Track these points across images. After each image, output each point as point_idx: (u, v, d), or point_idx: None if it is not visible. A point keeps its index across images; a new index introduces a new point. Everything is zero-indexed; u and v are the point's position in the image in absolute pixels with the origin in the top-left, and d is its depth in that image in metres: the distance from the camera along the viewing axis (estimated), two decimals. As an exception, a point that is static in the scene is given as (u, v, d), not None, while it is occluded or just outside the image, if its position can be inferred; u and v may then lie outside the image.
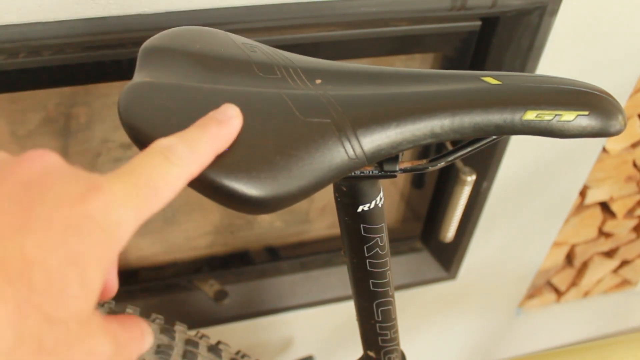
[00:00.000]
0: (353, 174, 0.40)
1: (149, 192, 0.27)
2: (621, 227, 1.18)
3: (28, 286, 0.23)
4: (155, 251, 0.93)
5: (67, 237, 0.24)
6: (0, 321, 0.22)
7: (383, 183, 0.45)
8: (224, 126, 0.33)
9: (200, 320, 0.94)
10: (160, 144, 0.29)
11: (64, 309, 0.24)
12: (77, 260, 0.24)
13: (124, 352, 0.28)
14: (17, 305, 0.22)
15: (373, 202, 0.44)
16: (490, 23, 0.72)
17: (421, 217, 1.03)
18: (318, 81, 0.39)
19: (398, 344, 0.56)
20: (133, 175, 0.27)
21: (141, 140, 0.35)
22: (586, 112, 0.38)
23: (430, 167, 0.42)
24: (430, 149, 0.89)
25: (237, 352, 0.64)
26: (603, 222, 1.16)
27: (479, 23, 0.71)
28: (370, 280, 0.49)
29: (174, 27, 0.42)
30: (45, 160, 0.26)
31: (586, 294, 1.36)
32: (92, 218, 0.25)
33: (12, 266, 0.23)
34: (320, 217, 0.99)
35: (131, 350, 0.29)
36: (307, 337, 1.10)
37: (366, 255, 0.47)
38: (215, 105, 0.35)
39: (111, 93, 0.71)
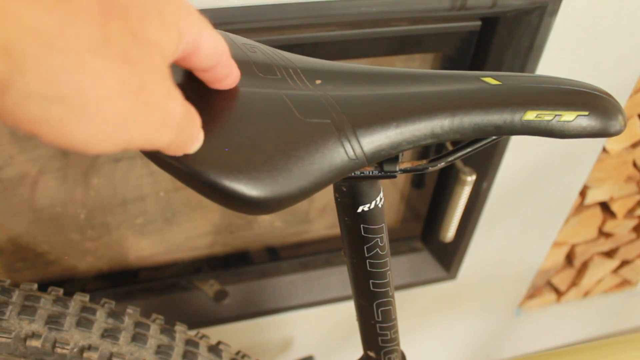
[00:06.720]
0: (353, 174, 0.40)
1: None
2: (621, 227, 1.18)
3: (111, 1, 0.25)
4: (155, 251, 0.93)
5: None
6: (86, 19, 0.24)
7: (383, 183, 0.45)
8: None
9: (200, 320, 0.94)
10: None
11: (146, 32, 0.26)
12: (155, 4, 0.27)
13: (187, 130, 0.30)
14: (101, 9, 0.24)
15: (373, 203, 0.44)
16: (490, 23, 0.72)
17: (421, 217, 1.03)
18: (318, 81, 0.39)
19: (398, 344, 0.56)
20: None
21: None
22: (586, 113, 0.38)
23: (430, 168, 0.42)
24: (430, 149, 0.89)
25: (238, 353, 0.64)
26: (603, 222, 1.16)
27: (479, 23, 0.71)
28: (370, 281, 0.49)
29: (174, 27, 0.42)
30: None
31: (586, 294, 1.36)
32: None
33: None
34: (320, 217, 0.99)
35: (190, 134, 0.31)
36: (307, 337, 1.10)
37: (366, 255, 0.47)
38: (215, 105, 0.35)
39: (111, 93, 0.71)
